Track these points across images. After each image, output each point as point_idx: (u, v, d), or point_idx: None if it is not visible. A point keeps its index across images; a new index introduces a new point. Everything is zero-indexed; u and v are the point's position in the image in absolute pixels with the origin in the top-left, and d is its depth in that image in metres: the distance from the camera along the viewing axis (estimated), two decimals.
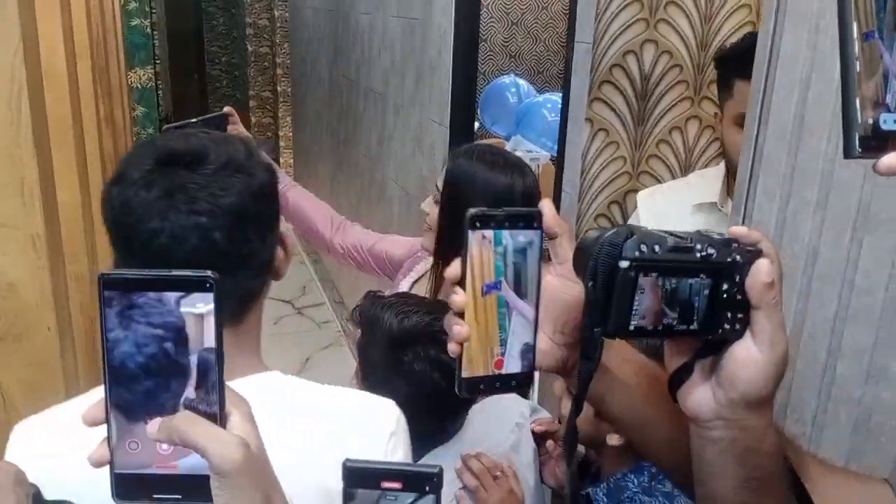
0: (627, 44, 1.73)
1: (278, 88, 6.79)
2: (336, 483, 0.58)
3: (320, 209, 1.93)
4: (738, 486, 0.62)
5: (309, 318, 4.94)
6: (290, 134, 6.73)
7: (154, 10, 3.26)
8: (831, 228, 1.01)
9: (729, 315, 0.59)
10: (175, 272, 0.56)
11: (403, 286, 1.63)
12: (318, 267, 5.48)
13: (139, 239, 0.76)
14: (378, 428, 0.84)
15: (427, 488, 0.58)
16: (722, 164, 1.62)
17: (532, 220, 0.62)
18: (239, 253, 0.79)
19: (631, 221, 1.71)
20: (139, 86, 3.15)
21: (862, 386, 0.97)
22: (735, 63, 1.45)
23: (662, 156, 1.83)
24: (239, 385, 0.80)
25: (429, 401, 1.13)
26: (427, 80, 2.84)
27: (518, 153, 3.72)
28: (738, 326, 0.59)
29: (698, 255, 0.58)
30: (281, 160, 7.11)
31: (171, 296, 0.56)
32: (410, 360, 1.15)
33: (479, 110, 4.19)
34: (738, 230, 0.59)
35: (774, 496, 0.64)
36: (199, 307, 0.56)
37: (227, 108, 1.78)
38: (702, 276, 0.58)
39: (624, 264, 0.56)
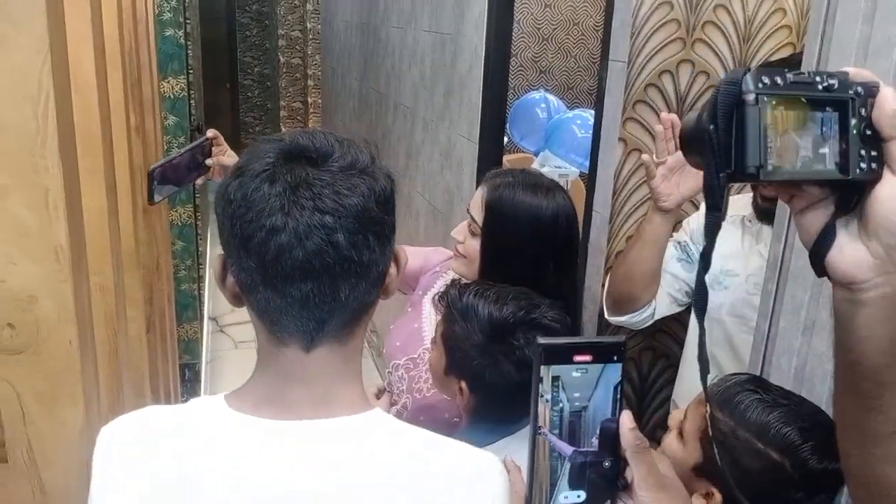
0: (663, 63, 1.70)
1: (309, 99, 6.84)
2: None
3: None
4: (892, 347, 0.57)
5: None
6: None
7: (188, 21, 3.28)
8: None
9: (862, 153, 0.54)
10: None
11: (426, 305, 1.60)
12: None
13: (257, 235, 0.72)
14: (483, 494, 0.77)
15: (615, 357, 0.63)
16: None
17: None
18: (360, 259, 0.74)
19: (691, 221, 1.68)
20: (171, 95, 3.17)
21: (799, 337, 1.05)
22: None
23: None
24: (342, 425, 0.77)
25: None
26: (456, 95, 2.82)
27: (546, 169, 3.71)
28: (873, 165, 0.54)
29: (820, 87, 0.54)
30: None
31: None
32: (521, 346, 1.18)
33: (507, 125, 4.16)
34: (848, 69, 0.55)
35: None
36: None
37: (210, 132, 1.78)
38: (828, 109, 0.54)
39: (749, 97, 0.52)
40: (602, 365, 0.62)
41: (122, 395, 1.33)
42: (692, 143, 0.57)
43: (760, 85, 0.53)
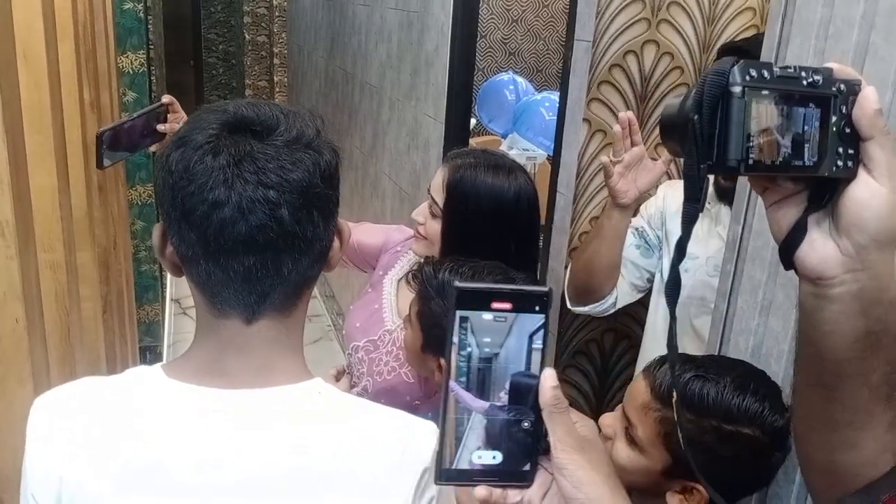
0: (628, 44, 1.70)
1: (275, 78, 6.74)
2: None
3: None
4: (855, 342, 0.58)
5: None
6: None
7: None
8: None
9: (839, 151, 0.54)
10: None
11: (387, 285, 1.58)
12: None
13: (199, 209, 0.70)
14: (412, 465, 0.77)
15: (537, 308, 0.57)
16: None
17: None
18: (304, 235, 0.74)
19: (649, 206, 1.68)
20: (130, 70, 3.10)
21: (756, 317, 1.06)
22: (747, 58, 1.42)
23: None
24: (281, 393, 0.77)
25: None
26: (423, 75, 2.79)
27: (514, 152, 3.70)
28: (849, 164, 0.55)
29: (804, 82, 0.54)
30: None
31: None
32: None
33: (475, 107, 4.14)
34: (832, 65, 0.56)
35: (887, 350, 0.59)
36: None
37: (165, 97, 1.70)
38: (811, 105, 0.54)
39: (736, 90, 0.52)
40: (522, 315, 0.57)
41: (75, 376, 1.29)
42: (674, 131, 0.57)
43: (747, 78, 0.53)
